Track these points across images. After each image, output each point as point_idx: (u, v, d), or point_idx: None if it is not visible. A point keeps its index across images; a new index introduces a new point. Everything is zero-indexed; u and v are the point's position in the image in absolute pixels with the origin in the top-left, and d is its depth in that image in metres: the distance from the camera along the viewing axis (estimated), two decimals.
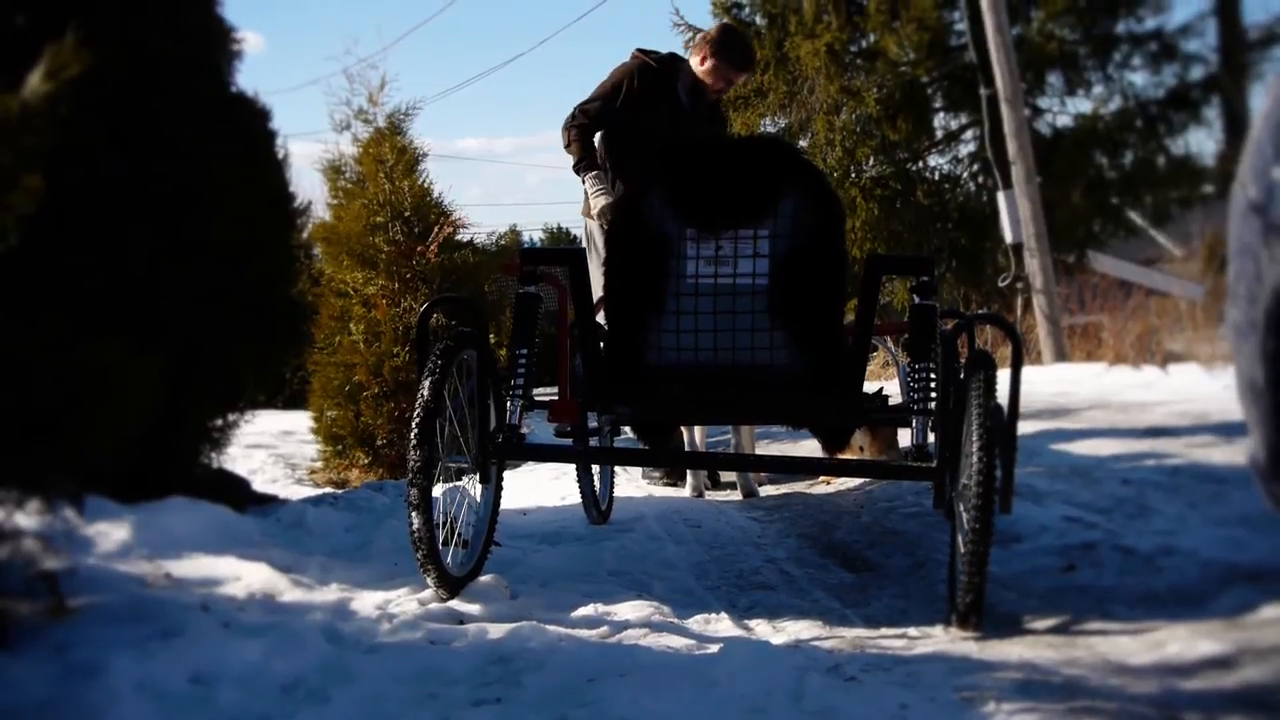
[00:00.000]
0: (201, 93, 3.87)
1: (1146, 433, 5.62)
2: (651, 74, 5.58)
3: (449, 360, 3.28)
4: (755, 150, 3.73)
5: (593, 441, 4.36)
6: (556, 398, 4.04)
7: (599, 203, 5.40)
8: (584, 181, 5.52)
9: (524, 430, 3.66)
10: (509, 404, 3.59)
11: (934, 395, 3.47)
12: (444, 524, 3.36)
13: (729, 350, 3.50)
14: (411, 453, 3.16)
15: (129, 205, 3.43)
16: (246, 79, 13.67)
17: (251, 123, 4.20)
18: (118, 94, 3.27)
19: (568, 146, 5.53)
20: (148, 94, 3.56)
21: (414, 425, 3.17)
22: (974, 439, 2.96)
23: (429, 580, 3.21)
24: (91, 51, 2.05)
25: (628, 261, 3.61)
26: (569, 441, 4.24)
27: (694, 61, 5.63)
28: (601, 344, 3.72)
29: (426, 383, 3.21)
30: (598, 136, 5.62)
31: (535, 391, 3.72)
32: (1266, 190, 2.01)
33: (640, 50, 5.70)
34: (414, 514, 3.14)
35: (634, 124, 5.50)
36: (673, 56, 5.71)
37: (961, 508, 3.10)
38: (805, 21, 15.10)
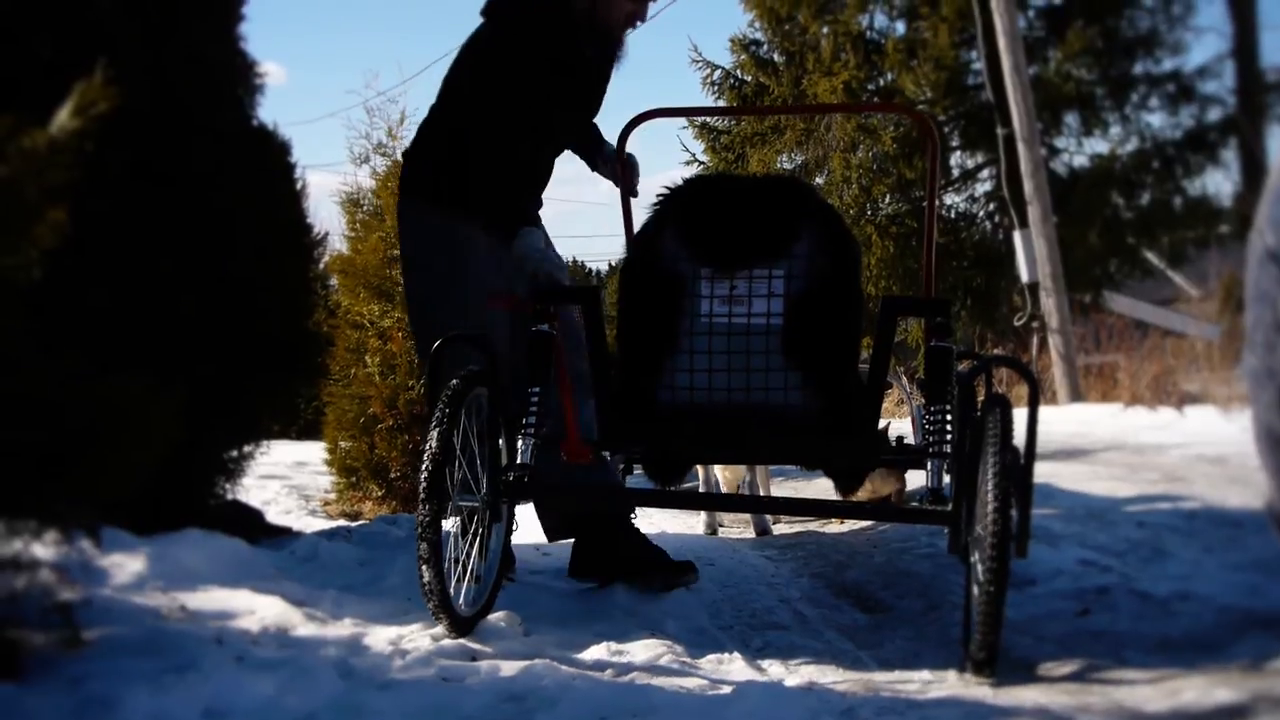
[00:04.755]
0: (223, 126, 3.90)
1: (1162, 475, 5.59)
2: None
3: (457, 406, 3.23)
4: (771, 189, 3.71)
5: None
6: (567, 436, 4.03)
7: None
8: None
9: None
10: (520, 443, 3.56)
11: (949, 437, 3.45)
12: (456, 559, 3.34)
13: (743, 390, 3.47)
14: (421, 507, 3.12)
15: (148, 237, 3.46)
16: (266, 111, 13.82)
17: (271, 156, 4.23)
18: (139, 126, 3.30)
19: None
20: (169, 126, 3.59)
21: (423, 478, 3.13)
22: (990, 482, 2.94)
23: (442, 628, 3.19)
24: (120, 89, 2.08)
25: (641, 299, 3.60)
26: None
27: None
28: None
29: (434, 433, 3.16)
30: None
31: None
32: None
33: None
34: (424, 568, 3.11)
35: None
36: None
37: (977, 551, 3.08)
38: (823, 60, 15.19)
